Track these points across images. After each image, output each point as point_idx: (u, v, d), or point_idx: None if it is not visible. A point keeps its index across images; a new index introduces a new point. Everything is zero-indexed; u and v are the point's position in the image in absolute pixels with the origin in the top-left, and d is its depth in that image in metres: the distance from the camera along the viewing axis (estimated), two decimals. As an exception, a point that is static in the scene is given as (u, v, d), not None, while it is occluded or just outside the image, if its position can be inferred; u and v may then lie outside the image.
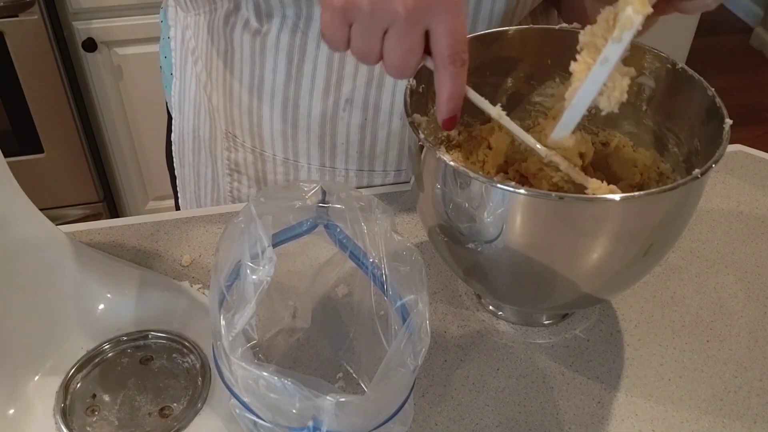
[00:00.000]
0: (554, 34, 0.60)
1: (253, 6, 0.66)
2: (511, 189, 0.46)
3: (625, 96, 0.50)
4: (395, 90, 0.69)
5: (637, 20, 0.48)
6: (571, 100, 0.51)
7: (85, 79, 1.61)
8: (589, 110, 0.61)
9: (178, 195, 0.90)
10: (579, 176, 0.54)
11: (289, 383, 0.42)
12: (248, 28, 0.68)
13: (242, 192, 0.80)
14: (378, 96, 0.69)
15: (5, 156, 0.55)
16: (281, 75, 0.69)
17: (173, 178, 0.90)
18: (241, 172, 0.78)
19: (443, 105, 0.49)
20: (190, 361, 0.58)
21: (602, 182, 0.53)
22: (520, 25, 0.68)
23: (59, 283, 0.59)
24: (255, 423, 0.46)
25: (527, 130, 0.65)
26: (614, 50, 0.49)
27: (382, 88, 0.69)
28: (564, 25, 0.60)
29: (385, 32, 0.47)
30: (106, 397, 0.55)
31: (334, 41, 0.49)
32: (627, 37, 0.48)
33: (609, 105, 0.50)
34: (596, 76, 0.50)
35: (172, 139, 0.85)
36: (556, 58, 0.62)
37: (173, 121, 0.84)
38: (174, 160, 0.87)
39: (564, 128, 0.53)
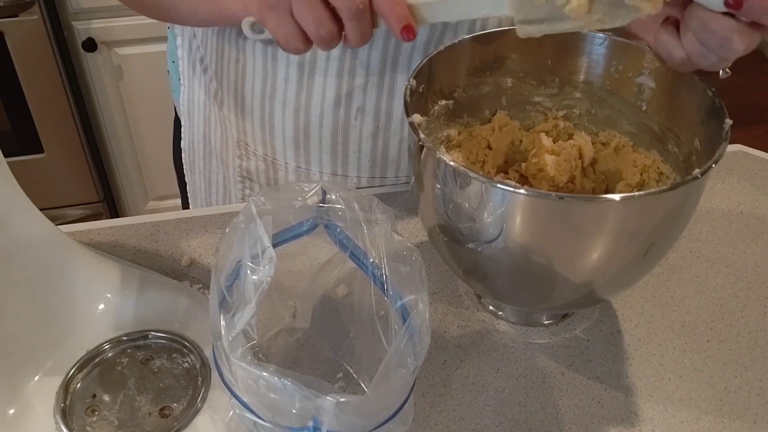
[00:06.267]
0: (554, 33, 0.60)
1: None
2: (511, 189, 0.46)
3: None
4: None
5: None
6: None
7: (85, 79, 1.61)
8: (588, 111, 0.61)
9: (189, 201, 0.90)
10: None
11: (289, 383, 0.42)
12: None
13: None
14: (390, 103, 0.69)
15: (5, 156, 0.55)
16: (293, 84, 0.69)
17: (183, 183, 0.90)
18: (253, 180, 0.78)
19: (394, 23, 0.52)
20: (190, 361, 0.58)
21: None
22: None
23: (59, 283, 0.59)
24: (255, 423, 0.46)
25: (527, 130, 0.65)
26: None
27: (393, 95, 0.69)
28: (564, 25, 0.60)
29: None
30: (106, 397, 0.55)
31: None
32: None
33: None
34: None
35: (182, 146, 0.85)
36: (556, 58, 0.62)
37: (182, 128, 0.84)
38: (184, 166, 0.87)
39: None
